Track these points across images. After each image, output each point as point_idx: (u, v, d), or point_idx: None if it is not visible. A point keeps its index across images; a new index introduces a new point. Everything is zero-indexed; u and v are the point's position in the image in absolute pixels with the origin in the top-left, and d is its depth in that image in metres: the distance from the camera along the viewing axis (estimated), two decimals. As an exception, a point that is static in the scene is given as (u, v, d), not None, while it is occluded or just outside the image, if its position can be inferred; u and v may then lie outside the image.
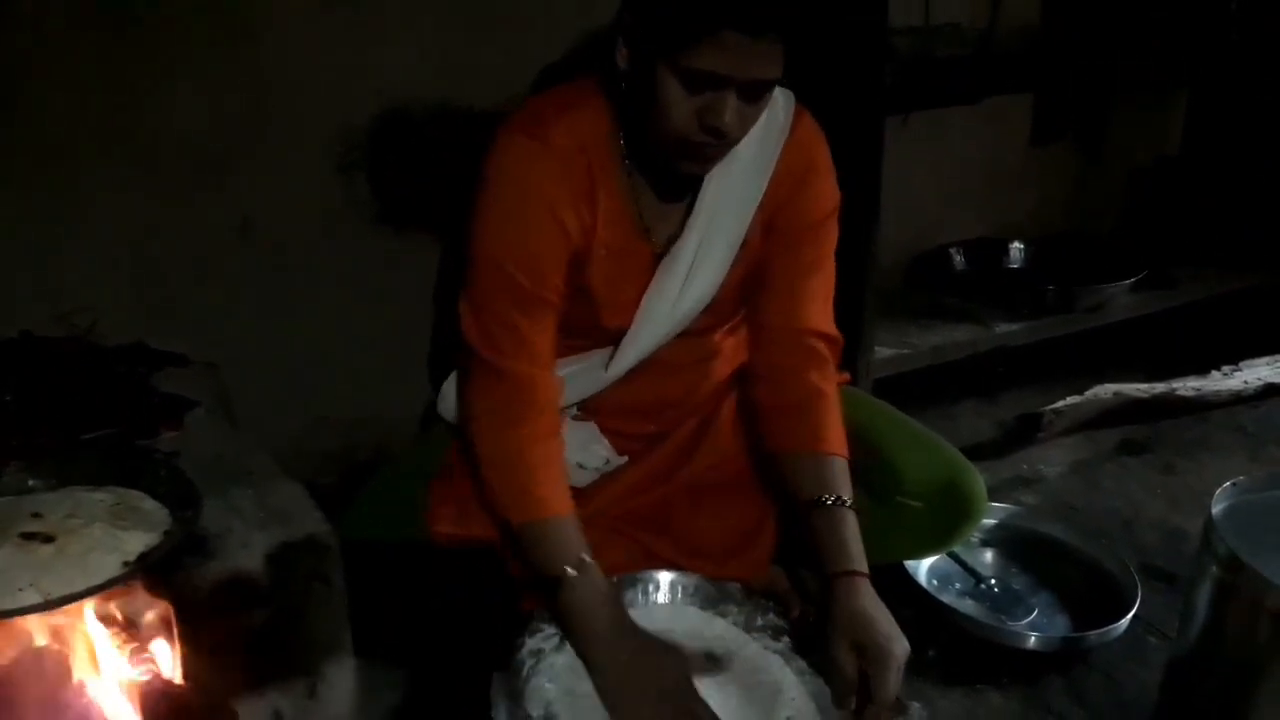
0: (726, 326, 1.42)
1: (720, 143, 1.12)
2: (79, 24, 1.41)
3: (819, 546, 1.23)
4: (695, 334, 1.37)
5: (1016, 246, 2.54)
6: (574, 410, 1.45)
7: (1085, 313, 2.30)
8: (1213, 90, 2.70)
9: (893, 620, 1.14)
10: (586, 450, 1.44)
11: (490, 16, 1.65)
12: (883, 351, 2.02)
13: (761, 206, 1.28)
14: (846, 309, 1.47)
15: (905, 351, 2.07)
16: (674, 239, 1.29)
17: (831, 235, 1.34)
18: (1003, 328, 2.20)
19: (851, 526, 1.23)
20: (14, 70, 1.39)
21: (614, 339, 1.34)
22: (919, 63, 2.04)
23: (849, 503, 1.24)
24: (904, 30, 2.08)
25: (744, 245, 1.30)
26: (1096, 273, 2.35)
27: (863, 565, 1.19)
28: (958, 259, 2.45)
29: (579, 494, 1.40)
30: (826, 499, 1.24)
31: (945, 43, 2.15)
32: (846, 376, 1.55)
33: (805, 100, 1.37)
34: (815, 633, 1.19)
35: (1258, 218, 2.66)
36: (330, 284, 1.67)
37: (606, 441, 1.46)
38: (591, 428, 1.45)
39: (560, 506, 1.21)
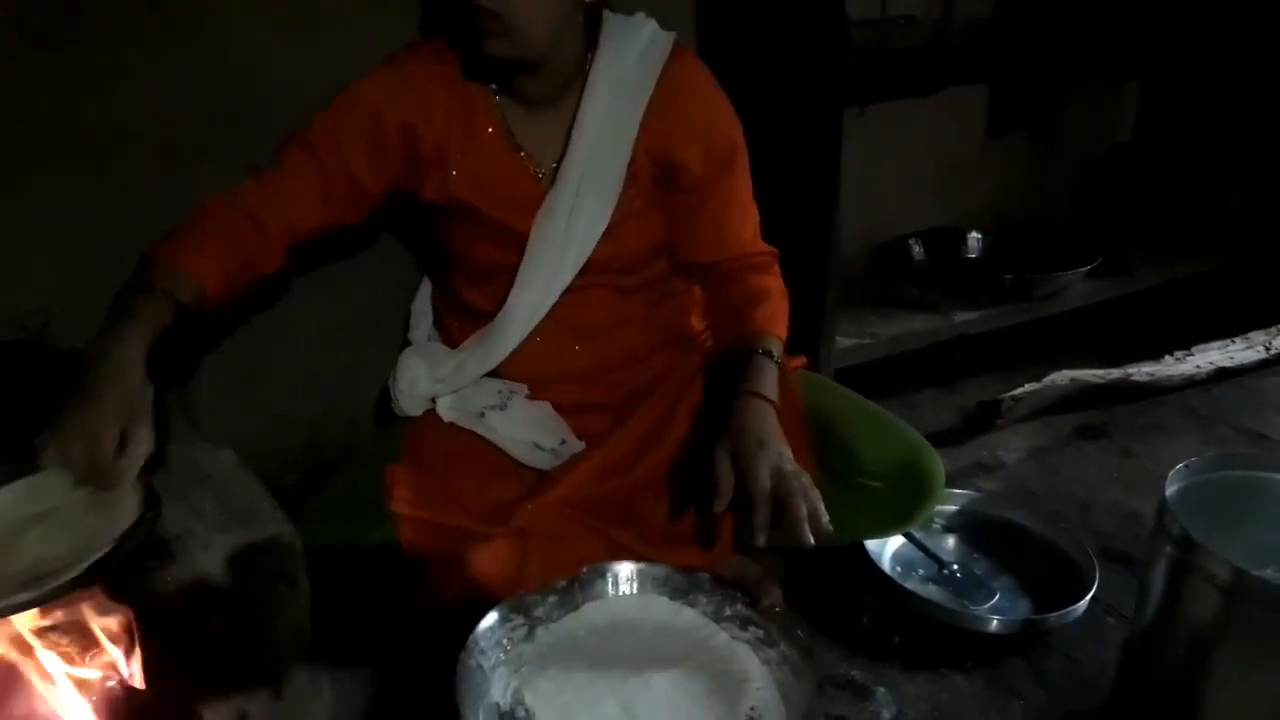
0: (640, 277, 1.46)
1: (490, 16, 1.21)
2: (23, 22, 1.38)
3: (725, 383, 1.33)
4: (607, 277, 1.42)
5: (974, 236, 2.57)
6: (524, 390, 1.47)
7: (1042, 300, 2.34)
8: (1165, 78, 2.75)
9: (783, 448, 1.22)
10: (543, 429, 1.46)
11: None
12: (843, 341, 2.04)
13: (641, 144, 1.37)
14: (807, 299, 1.49)
15: (866, 341, 2.09)
16: (556, 164, 1.38)
17: (741, 170, 1.44)
18: (961, 316, 2.23)
19: (761, 368, 1.32)
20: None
21: (516, 260, 1.40)
22: (876, 54, 2.06)
23: (775, 357, 1.35)
24: (860, 23, 2.10)
25: (631, 171, 1.38)
26: (1052, 261, 2.38)
27: (773, 395, 1.29)
28: (917, 249, 2.47)
29: (540, 479, 1.41)
30: (755, 348, 1.34)
31: (901, 34, 2.17)
32: (803, 359, 1.58)
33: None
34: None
35: (1210, 204, 2.72)
36: (286, 283, 1.65)
37: (564, 422, 1.47)
38: (545, 407, 1.47)
39: (195, 265, 1.21)
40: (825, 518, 1.18)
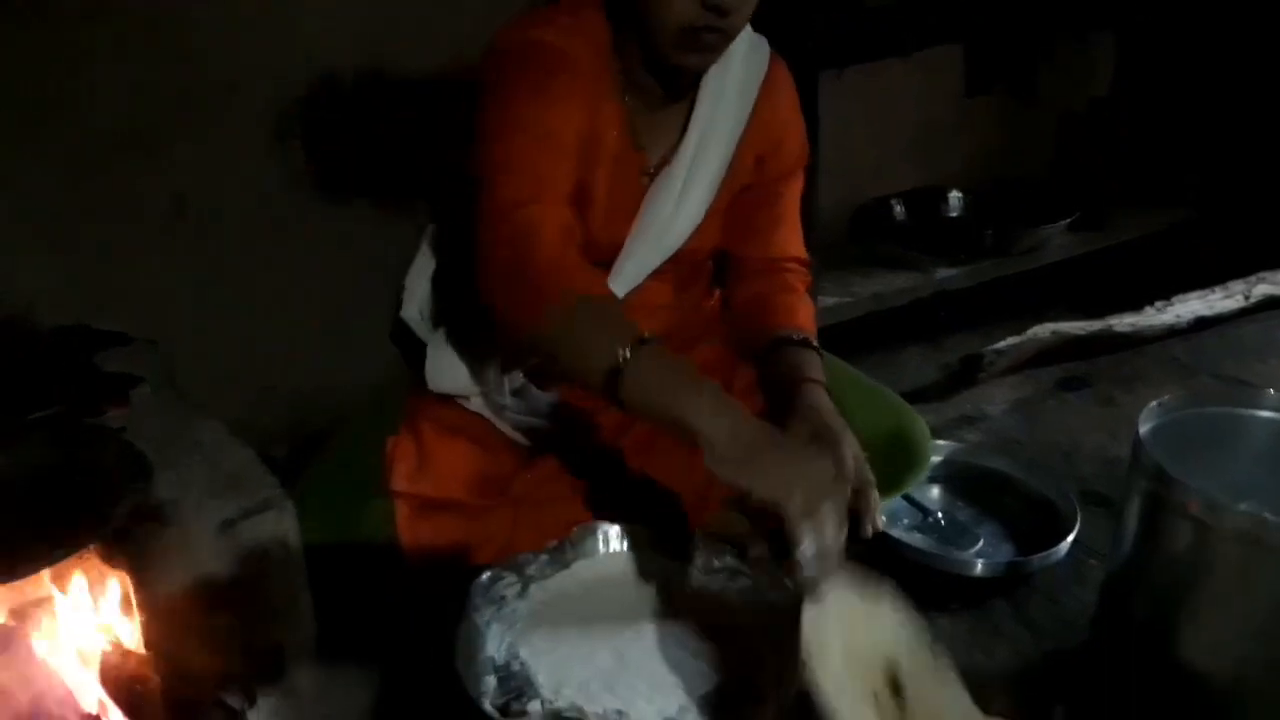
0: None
1: (721, 23, 1.15)
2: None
3: (783, 370, 1.31)
4: (677, 268, 1.41)
5: (955, 194, 2.59)
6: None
7: (1022, 255, 2.36)
8: (1140, 31, 2.76)
9: (841, 418, 1.23)
10: (549, 416, 1.46)
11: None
12: (826, 300, 2.06)
13: (745, 139, 1.35)
14: (810, 280, 1.51)
15: (848, 300, 2.11)
16: (666, 158, 1.34)
17: (801, 179, 1.46)
18: (943, 273, 2.25)
19: (815, 360, 1.32)
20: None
21: (606, 261, 1.36)
22: (850, 14, 2.06)
23: (814, 344, 1.35)
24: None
25: (730, 170, 1.36)
26: (1032, 216, 2.41)
27: (824, 380, 1.29)
28: (898, 209, 2.49)
29: (537, 459, 1.42)
30: (794, 336, 1.34)
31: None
32: None
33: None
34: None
35: (1186, 155, 2.74)
36: (270, 255, 1.66)
37: (572, 407, 1.47)
38: (552, 395, 1.47)
39: (601, 285, 1.12)
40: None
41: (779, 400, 1.31)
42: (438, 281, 1.57)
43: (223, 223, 1.62)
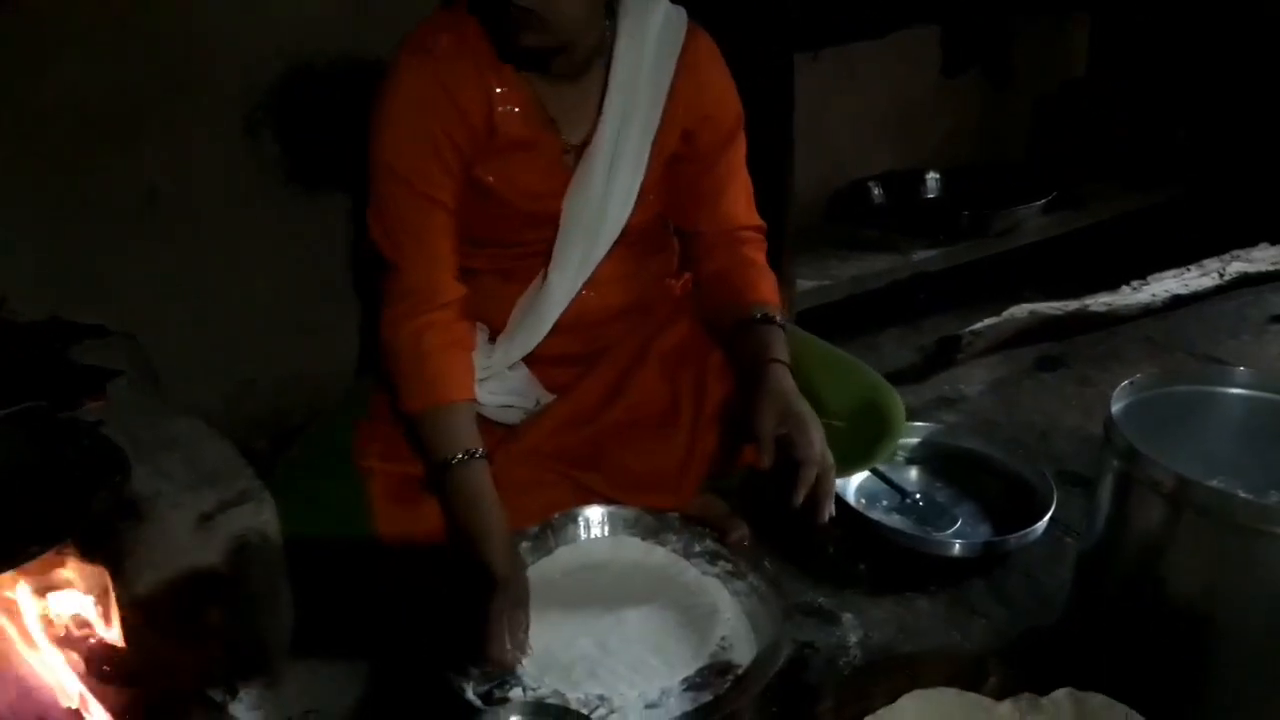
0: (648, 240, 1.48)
1: (526, 14, 1.20)
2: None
3: (750, 350, 1.38)
4: (625, 247, 1.43)
5: (932, 176, 2.60)
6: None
7: (999, 236, 2.37)
8: (1114, 12, 2.77)
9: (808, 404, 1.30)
10: (520, 394, 1.47)
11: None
12: (804, 284, 2.06)
13: (668, 113, 1.38)
14: (767, 245, 1.51)
15: (826, 283, 2.12)
16: (587, 137, 1.37)
17: (741, 143, 1.48)
18: (920, 255, 2.26)
19: (779, 336, 1.39)
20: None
21: (545, 249, 1.40)
22: (824, -5, 2.06)
23: (777, 319, 1.41)
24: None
25: (656, 144, 1.39)
26: (1008, 197, 2.42)
27: (788, 359, 1.35)
28: (875, 191, 2.50)
29: (510, 432, 1.43)
30: (756, 314, 1.40)
31: (849, -25, 2.17)
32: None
33: (713, 38, 1.42)
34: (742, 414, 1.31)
35: (1160, 136, 2.75)
36: (246, 246, 1.65)
37: (539, 384, 1.48)
38: (523, 372, 1.47)
39: (456, 393, 1.32)
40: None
41: (748, 382, 1.34)
42: None
43: (197, 215, 1.61)
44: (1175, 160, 2.73)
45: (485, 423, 1.46)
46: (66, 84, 1.45)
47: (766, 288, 1.46)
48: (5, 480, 1.07)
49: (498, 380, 1.45)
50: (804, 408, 1.28)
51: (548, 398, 1.48)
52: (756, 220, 1.51)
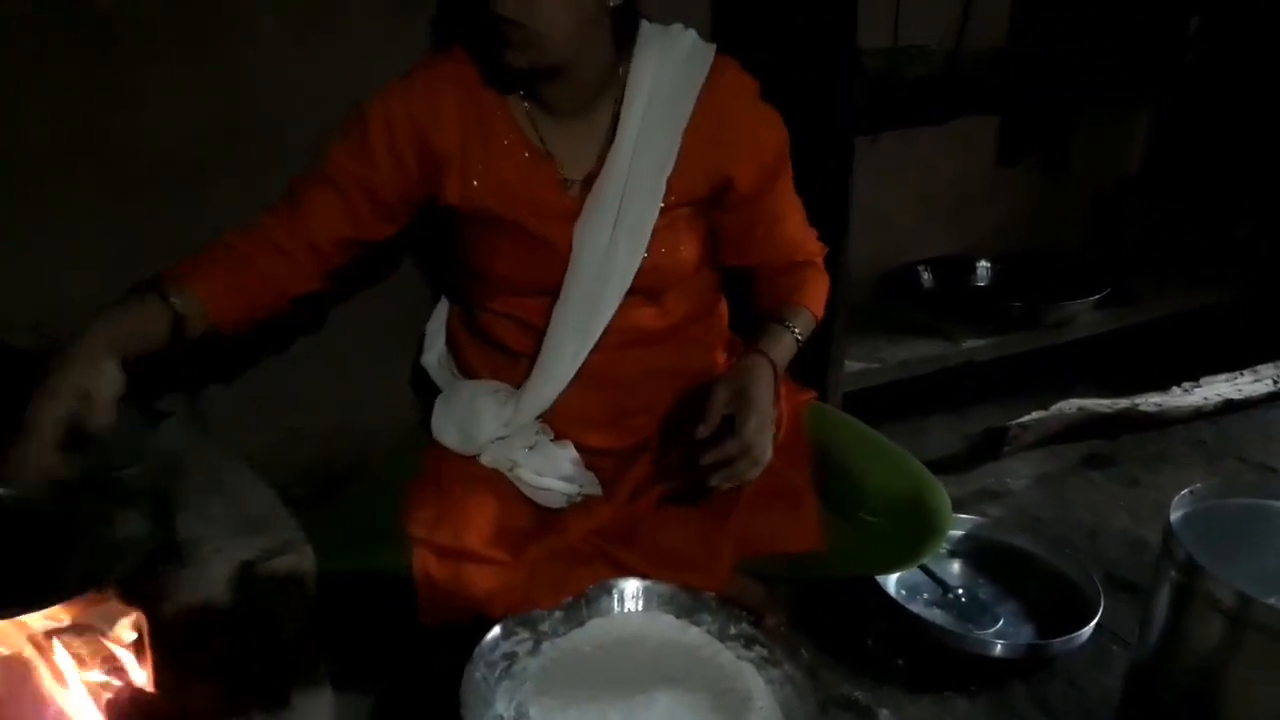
0: (678, 298, 1.45)
1: (511, 26, 1.19)
2: (46, 35, 1.41)
3: (753, 338, 1.41)
4: (645, 311, 1.42)
5: (983, 264, 2.58)
6: (549, 432, 1.47)
7: (1050, 329, 2.35)
8: (1173, 110, 2.77)
9: (772, 401, 1.32)
10: (567, 473, 1.45)
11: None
12: (852, 365, 2.04)
13: (687, 149, 1.35)
14: (817, 324, 1.51)
15: (874, 366, 2.09)
16: (593, 171, 1.35)
17: (788, 173, 1.46)
18: (970, 343, 2.24)
19: (780, 335, 1.41)
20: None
21: (553, 286, 1.38)
22: (888, 83, 2.08)
23: (797, 334, 1.43)
24: (872, 51, 2.12)
25: (674, 184, 1.35)
26: (1061, 290, 2.39)
27: (777, 358, 1.37)
28: (926, 276, 2.49)
29: (547, 519, 1.42)
30: (781, 318, 1.43)
31: (913, 63, 2.19)
32: (812, 393, 1.58)
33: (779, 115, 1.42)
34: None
35: (1219, 233, 2.73)
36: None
37: (583, 466, 1.47)
38: (570, 450, 1.46)
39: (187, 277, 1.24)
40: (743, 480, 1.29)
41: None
42: (448, 332, 1.58)
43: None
44: (1233, 259, 2.70)
45: (523, 501, 1.44)
46: (144, 127, 1.49)
47: (801, 291, 1.47)
48: (51, 518, 1.08)
49: (545, 458, 1.44)
50: (759, 393, 1.29)
51: (595, 488, 1.46)
52: (813, 244, 1.51)
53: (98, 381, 1.08)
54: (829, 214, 1.83)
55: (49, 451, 1.04)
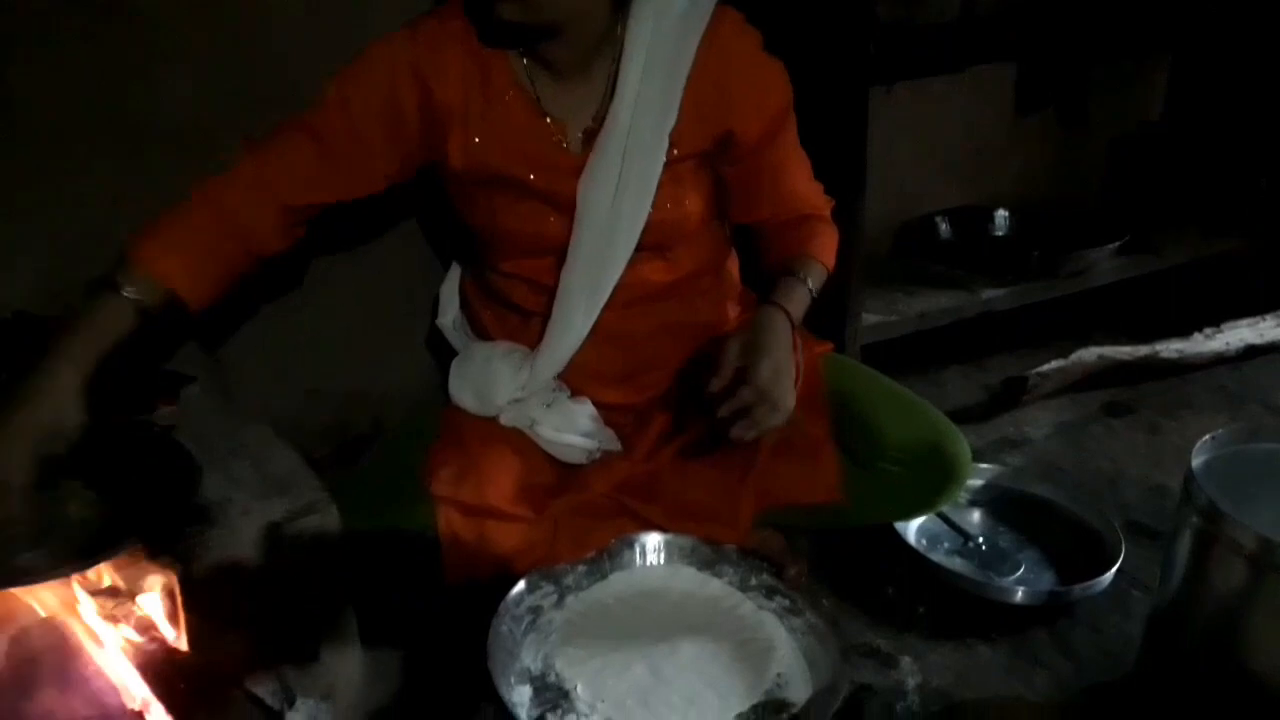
0: (686, 252, 1.44)
1: None
2: (63, 7, 1.41)
3: (768, 291, 1.39)
4: (655, 265, 1.41)
5: (1001, 214, 2.55)
6: (566, 391, 1.48)
7: (1069, 277, 2.32)
8: (1194, 56, 2.72)
9: (789, 350, 1.31)
10: (586, 430, 1.46)
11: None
12: (870, 318, 2.04)
13: (689, 99, 1.33)
14: (834, 276, 1.50)
15: (892, 318, 2.09)
16: (592, 130, 1.34)
17: (793, 125, 1.43)
18: (988, 293, 2.22)
19: (795, 287, 1.39)
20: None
21: (560, 243, 1.37)
22: (901, 30, 2.05)
23: (810, 284, 1.41)
24: (886, -2, 2.09)
25: (676, 138, 1.33)
26: (1080, 238, 2.37)
27: (792, 309, 1.36)
28: (944, 227, 2.46)
29: (575, 470, 1.43)
30: (794, 270, 1.41)
31: (927, 9, 2.15)
32: (829, 345, 1.58)
33: (790, 70, 1.40)
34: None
35: (1238, 182, 2.69)
36: (322, 257, 1.67)
37: (602, 422, 1.48)
38: (588, 406, 1.47)
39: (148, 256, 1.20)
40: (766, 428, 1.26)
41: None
42: (462, 294, 1.58)
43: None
44: (1255, 208, 2.66)
45: (544, 458, 1.46)
46: (159, 103, 1.49)
47: (818, 244, 1.45)
48: (79, 482, 1.10)
49: (563, 415, 1.44)
50: (771, 341, 1.28)
51: (614, 444, 1.47)
52: (820, 198, 1.49)
53: (61, 416, 1.06)
54: (843, 166, 1.82)
55: (29, 503, 1.02)
